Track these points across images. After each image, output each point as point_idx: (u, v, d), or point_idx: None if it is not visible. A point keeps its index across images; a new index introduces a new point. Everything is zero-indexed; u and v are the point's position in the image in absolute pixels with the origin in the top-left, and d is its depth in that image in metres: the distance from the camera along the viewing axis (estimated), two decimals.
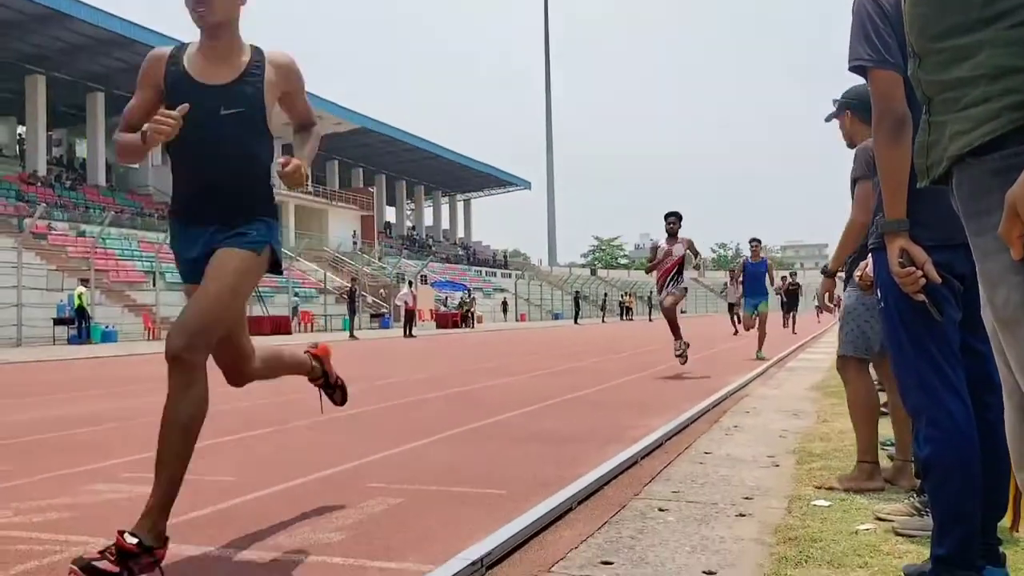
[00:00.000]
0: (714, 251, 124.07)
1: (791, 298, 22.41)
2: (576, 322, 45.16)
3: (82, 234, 33.93)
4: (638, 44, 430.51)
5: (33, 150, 42.08)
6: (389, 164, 64.98)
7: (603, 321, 51.25)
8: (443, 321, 39.18)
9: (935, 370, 2.10)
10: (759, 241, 13.82)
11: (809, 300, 36.17)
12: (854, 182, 3.46)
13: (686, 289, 10.26)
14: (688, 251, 10.05)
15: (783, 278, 22.78)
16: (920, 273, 1.98)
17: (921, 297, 2.03)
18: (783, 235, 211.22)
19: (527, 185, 79.26)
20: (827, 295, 4.11)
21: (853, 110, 3.46)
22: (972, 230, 1.10)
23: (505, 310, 50.73)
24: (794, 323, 23.15)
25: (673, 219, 9.93)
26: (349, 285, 29.27)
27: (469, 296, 42.53)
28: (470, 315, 40.38)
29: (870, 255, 4.04)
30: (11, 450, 5.00)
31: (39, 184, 40.12)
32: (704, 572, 2.51)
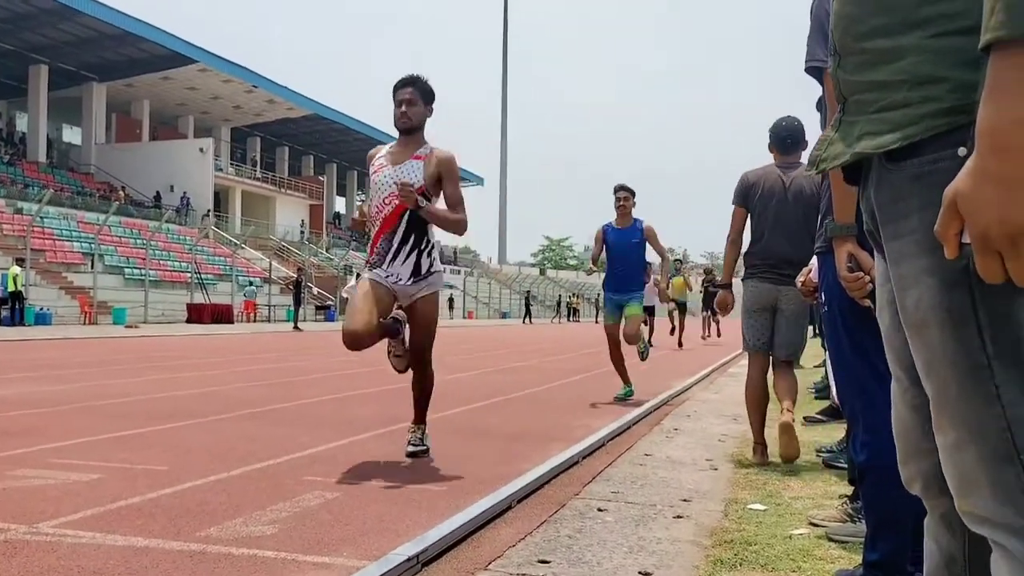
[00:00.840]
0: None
1: (710, 299, 19.77)
2: (525, 322, 45.07)
3: (19, 211, 32.88)
4: (594, 45, 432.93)
5: None
6: (341, 153, 64.26)
7: (555, 321, 51.26)
8: None
9: (874, 375, 2.12)
10: (629, 192, 7.37)
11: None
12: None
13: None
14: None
15: (705, 277, 21.36)
16: (868, 278, 2.00)
17: (867, 302, 2.05)
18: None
19: (480, 181, 79.09)
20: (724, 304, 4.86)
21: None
22: (889, 234, 1.11)
23: (451, 307, 50.38)
24: (718, 327, 21.69)
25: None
26: (295, 276, 28.83)
27: None
28: None
29: (814, 260, 4.12)
30: None
31: None
32: (640, 572, 2.51)
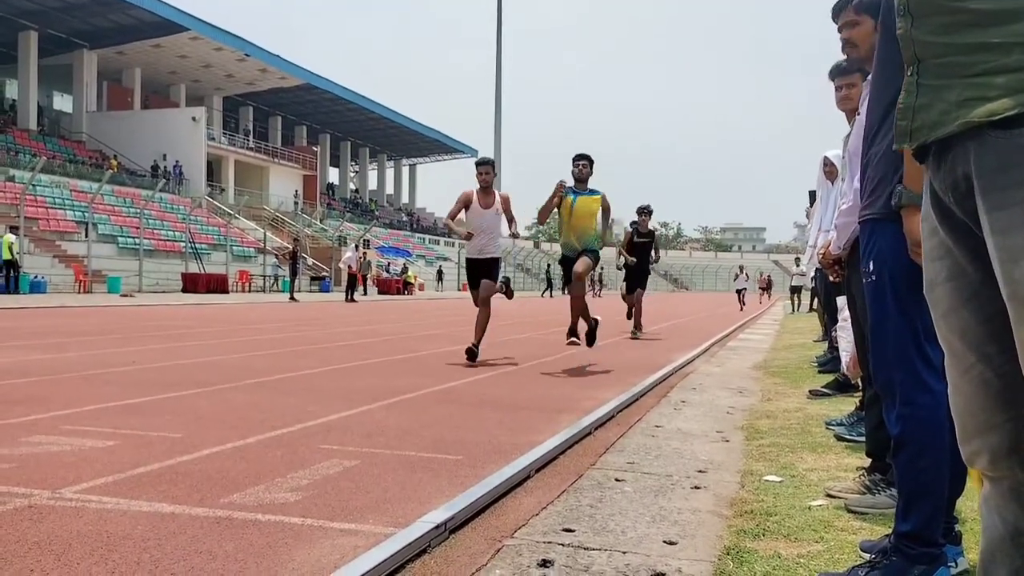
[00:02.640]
0: (656, 229, 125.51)
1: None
2: (545, 295, 44.54)
3: (11, 179, 32.64)
4: (589, 22, 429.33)
5: None
6: (334, 124, 63.85)
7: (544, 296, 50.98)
8: (385, 287, 38.89)
9: (917, 348, 2.12)
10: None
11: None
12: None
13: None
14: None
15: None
16: None
17: None
18: (723, 217, 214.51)
19: (474, 153, 78.69)
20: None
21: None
22: (992, 203, 1.09)
23: (440, 279, 50.09)
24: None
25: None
26: (291, 246, 28.70)
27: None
28: (412, 282, 40.20)
29: (833, 230, 4.07)
30: None
31: None
32: (665, 542, 2.53)
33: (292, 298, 25.55)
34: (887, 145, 2.18)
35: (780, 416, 5.02)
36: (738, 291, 29.87)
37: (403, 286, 39.53)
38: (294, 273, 26.80)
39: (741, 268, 31.45)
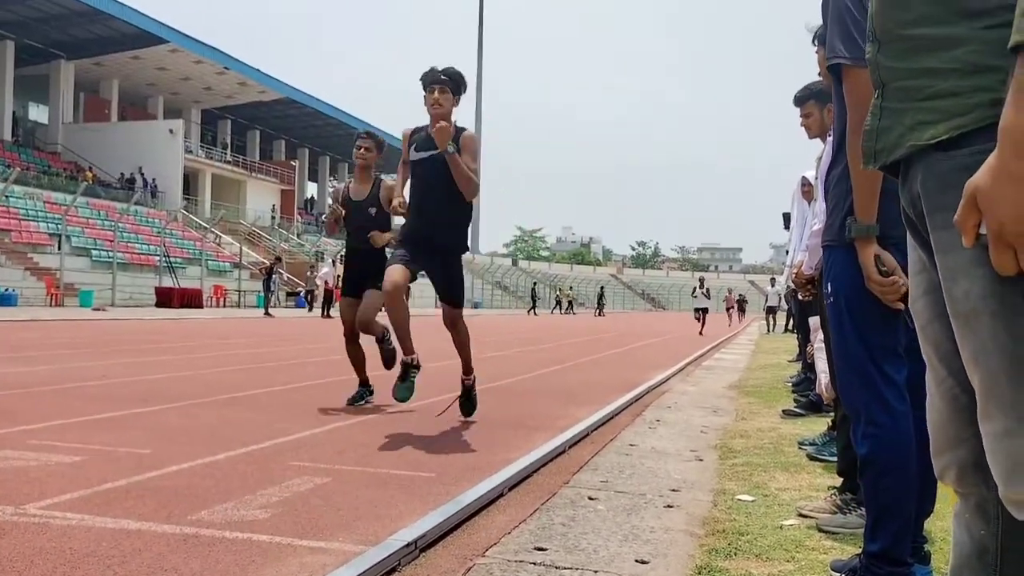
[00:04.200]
0: (633, 249, 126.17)
1: None
2: (530, 313, 43.92)
3: None
4: (569, 35, 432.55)
5: None
6: (313, 138, 63.67)
7: (562, 312, 49.60)
8: None
9: (878, 369, 2.14)
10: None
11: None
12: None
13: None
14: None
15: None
16: (901, 281, 1.99)
17: (900, 305, 2.04)
18: (699, 237, 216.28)
19: None
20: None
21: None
22: (936, 223, 1.11)
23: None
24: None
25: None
26: (270, 262, 28.49)
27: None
28: None
29: (803, 253, 4.14)
30: None
31: None
32: (637, 560, 2.52)
33: (267, 313, 25.37)
34: (840, 173, 2.23)
35: (754, 435, 5.04)
36: (697, 311, 23.72)
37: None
38: (268, 288, 26.60)
39: (701, 281, 24.42)
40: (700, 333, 20.95)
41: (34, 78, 44.48)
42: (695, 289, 23.93)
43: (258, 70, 49.46)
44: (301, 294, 36.86)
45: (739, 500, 3.36)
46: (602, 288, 54.63)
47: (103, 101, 48.45)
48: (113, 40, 42.45)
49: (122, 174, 45.25)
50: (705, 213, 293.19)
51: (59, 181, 39.63)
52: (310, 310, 25.31)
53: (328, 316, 25.43)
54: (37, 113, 48.95)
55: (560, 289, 55.31)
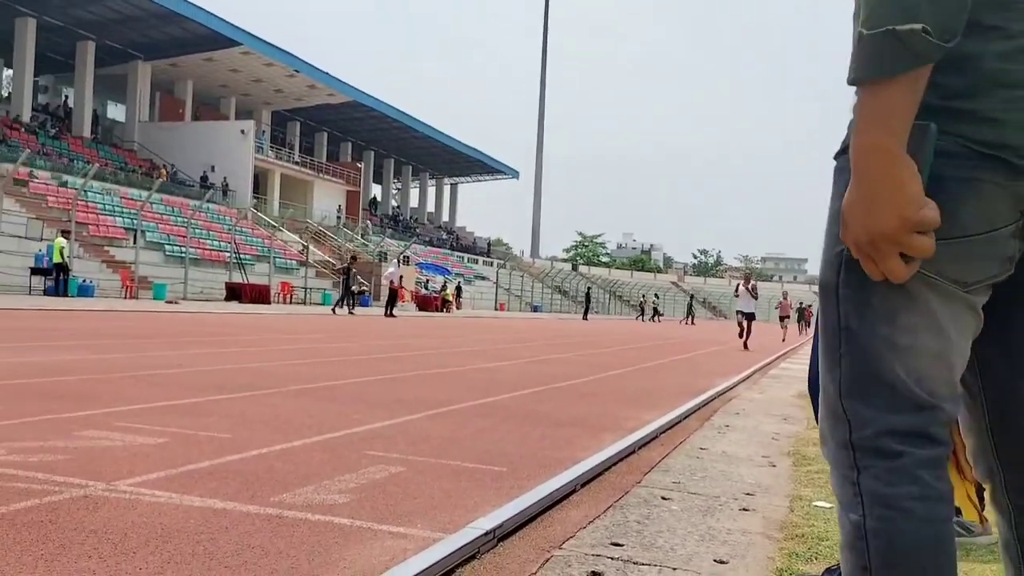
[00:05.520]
0: (695, 257, 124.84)
1: None
2: (586, 318, 43.29)
3: (64, 184, 33.44)
4: (634, 45, 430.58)
5: (19, 95, 41.38)
6: (378, 140, 64.60)
7: (651, 320, 48.51)
8: (425, 304, 39.05)
9: None
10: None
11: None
12: None
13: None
14: None
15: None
16: None
17: None
18: (764, 247, 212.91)
19: (515, 174, 79.15)
20: None
21: None
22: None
23: (459, 294, 47.59)
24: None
25: None
26: (347, 262, 28.86)
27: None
28: (450, 299, 40.33)
29: None
30: None
31: (23, 130, 39.47)
32: (716, 560, 2.49)
33: (350, 312, 25.64)
34: None
35: None
36: (741, 315, 17.72)
37: (442, 304, 39.68)
38: (347, 287, 26.84)
39: (747, 278, 18.02)
40: (744, 346, 16.80)
41: (113, 78, 46.06)
42: (738, 287, 18.18)
43: (327, 73, 50.39)
44: (366, 293, 37.36)
45: (816, 507, 3.30)
46: (692, 297, 54.56)
47: (178, 101, 49.90)
48: (188, 41, 43.71)
49: (204, 174, 46.48)
50: (769, 222, 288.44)
51: (135, 177, 40.93)
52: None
53: (391, 315, 25.74)
54: (115, 112, 50.69)
55: (645, 296, 54.51)
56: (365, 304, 36.25)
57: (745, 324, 17.47)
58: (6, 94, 44.69)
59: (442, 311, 38.56)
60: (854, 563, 1.13)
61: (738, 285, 18.30)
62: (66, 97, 48.17)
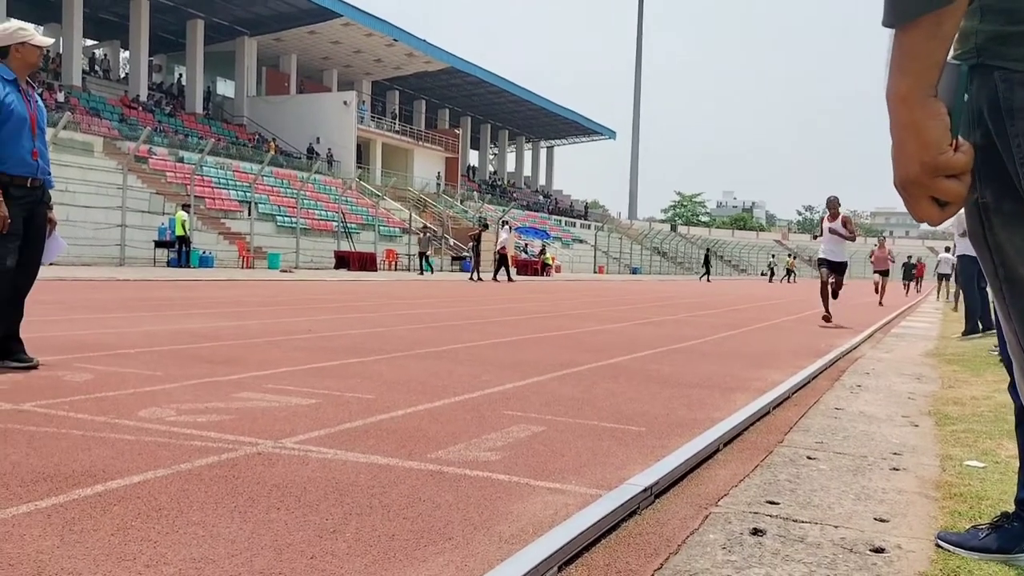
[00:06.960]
0: (800, 214, 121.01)
1: None
2: (707, 279, 42.18)
3: (180, 160, 34.95)
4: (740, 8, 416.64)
5: (136, 75, 43.29)
6: (475, 106, 64.84)
7: (783, 281, 46.42)
8: (524, 268, 39.29)
9: None
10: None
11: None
12: None
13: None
14: None
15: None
16: None
17: None
18: (874, 201, 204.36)
19: (612, 135, 78.14)
20: None
21: None
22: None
23: (543, 251, 46.84)
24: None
25: None
26: (478, 230, 29.35)
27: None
28: (550, 263, 40.43)
29: None
30: (151, 357, 5.25)
31: (140, 109, 41.34)
32: (876, 519, 2.48)
33: (483, 276, 26.10)
34: None
35: (968, 403, 4.78)
36: (823, 264, 11.28)
37: (541, 267, 39.82)
38: (477, 253, 27.32)
39: (833, 207, 11.24)
40: (825, 316, 11.14)
41: (221, 54, 47.66)
42: (821, 222, 11.73)
43: (424, 40, 50.78)
44: (468, 259, 37.80)
45: (968, 466, 3.22)
46: (790, 255, 53.08)
47: (283, 75, 51.24)
48: (291, 16, 44.74)
49: (310, 146, 47.71)
50: (879, 175, 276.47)
51: (246, 151, 42.42)
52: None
53: (497, 280, 26.01)
54: (224, 88, 52.46)
55: (775, 256, 52.86)
56: (467, 269, 36.72)
57: (833, 279, 11.29)
58: (123, 75, 46.83)
59: (542, 275, 38.71)
60: None
61: (820, 221, 11.99)
62: (179, 75, 50.12)
